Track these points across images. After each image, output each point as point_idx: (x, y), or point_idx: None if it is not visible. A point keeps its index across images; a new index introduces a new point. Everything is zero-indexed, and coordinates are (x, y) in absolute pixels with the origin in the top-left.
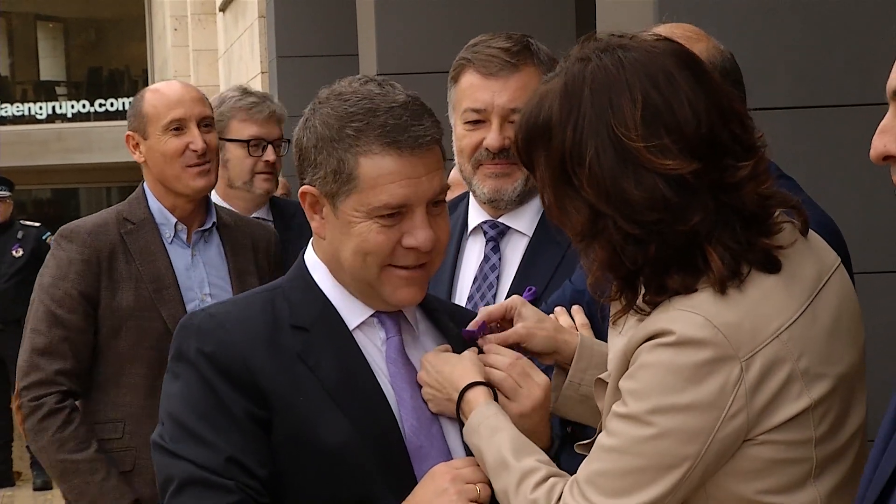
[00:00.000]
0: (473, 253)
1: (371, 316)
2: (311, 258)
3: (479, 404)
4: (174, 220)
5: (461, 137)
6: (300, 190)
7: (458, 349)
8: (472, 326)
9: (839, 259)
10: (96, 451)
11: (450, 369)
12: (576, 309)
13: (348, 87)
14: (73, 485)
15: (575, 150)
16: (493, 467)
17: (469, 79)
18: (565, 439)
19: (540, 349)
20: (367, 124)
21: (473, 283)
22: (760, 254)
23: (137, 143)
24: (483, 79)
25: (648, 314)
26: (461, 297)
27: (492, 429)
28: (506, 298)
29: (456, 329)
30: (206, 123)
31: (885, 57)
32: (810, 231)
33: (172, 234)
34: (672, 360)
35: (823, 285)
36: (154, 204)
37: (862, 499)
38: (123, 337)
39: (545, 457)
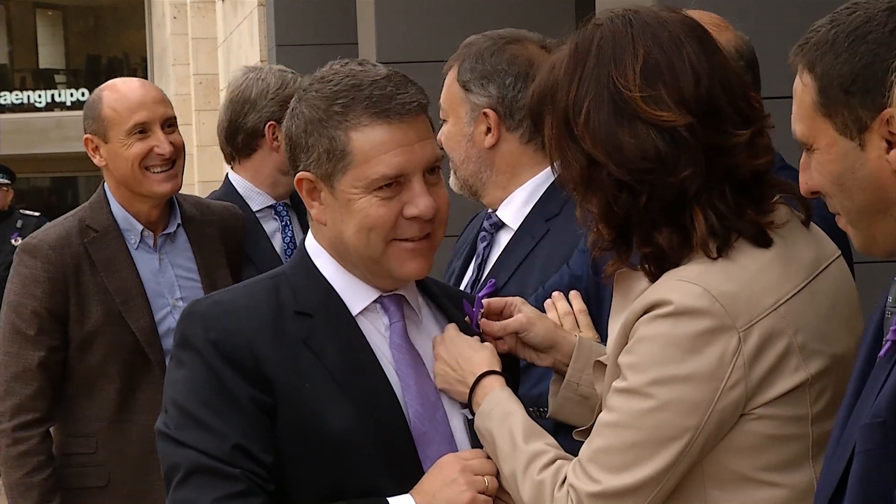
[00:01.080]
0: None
1: (374, 302)
2: (312, 245)
3: (494, 389)
4: (140, 226)
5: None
6: (296, 178)
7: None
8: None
9: (839, 252)
10: None
11: (470, 354)
12: (573, 294)
13: (329, 70)
14: None
15: (577, 100)
16: (503, 450)
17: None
18: (559, 425)
19: (539, 341)
20: (353, 99)
21: (467, 275)
22: (750, 225)
23: (97, 147)
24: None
25: (652, 275)
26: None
27: (504, 413)
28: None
29: (459, 313)
30: (169, 124)
31: None
32: (812, 224)
33: (138, 240)
34: (670, 331)
35: (822, 271)
36: (118, 210)
37: (817, 499)
38: (93, 351)
39: (554, 441)
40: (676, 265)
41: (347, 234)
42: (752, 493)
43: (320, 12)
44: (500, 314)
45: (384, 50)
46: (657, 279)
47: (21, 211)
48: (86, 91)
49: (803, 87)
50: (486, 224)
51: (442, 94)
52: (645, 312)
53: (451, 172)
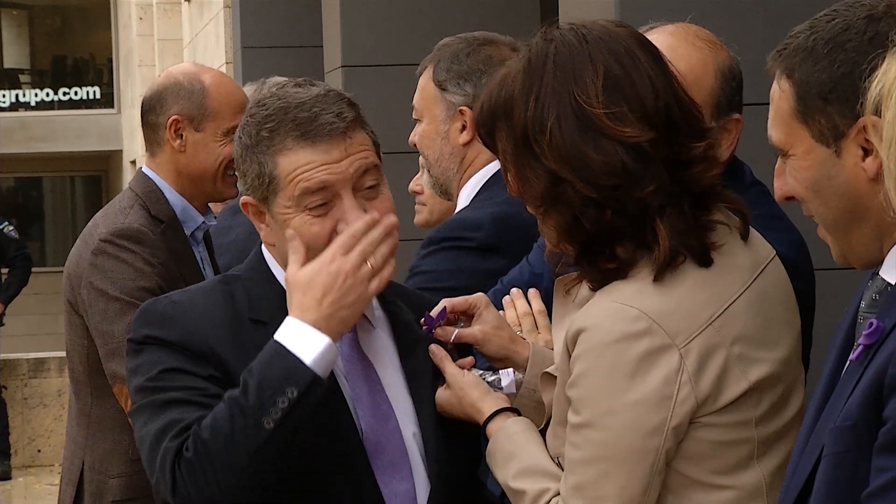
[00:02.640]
0: None
1: None
2: (268, 252)
3: (493, 433)
4: (201, 218)
5: None
6: (241, 202)
7: (411, 336)
8: (432, 313)
9: (774, 252)
10: None
11: (475, 397)
12: (532, 293)
13: (268, 93)
14: None
15: (537, 118)
16: (510, 494)
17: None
18: None
19: (492, 354)
20: (279, 122)
21: None
22: (698, 242)
23: (182, 130)
24: None
25: (601, 285)
26: None
27: (505, 457)
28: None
29: (411, 315)
30: None
31: None
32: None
33: (189, 233)
34: (613, 359)
35: (758, 275)
36: (175, 200)
37: (782, 501)
38: None
39: (547, 471)
40: (626, 278)
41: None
42: (705, 497)
43: (286, 15)
44: (462, 313)
45: (349, 53)
46: (600, 288)
47: None
48: (50, 91)
49: (780, 94)
50: None
51: (416, 95)
52: (579, 334)
53: (425, 171)
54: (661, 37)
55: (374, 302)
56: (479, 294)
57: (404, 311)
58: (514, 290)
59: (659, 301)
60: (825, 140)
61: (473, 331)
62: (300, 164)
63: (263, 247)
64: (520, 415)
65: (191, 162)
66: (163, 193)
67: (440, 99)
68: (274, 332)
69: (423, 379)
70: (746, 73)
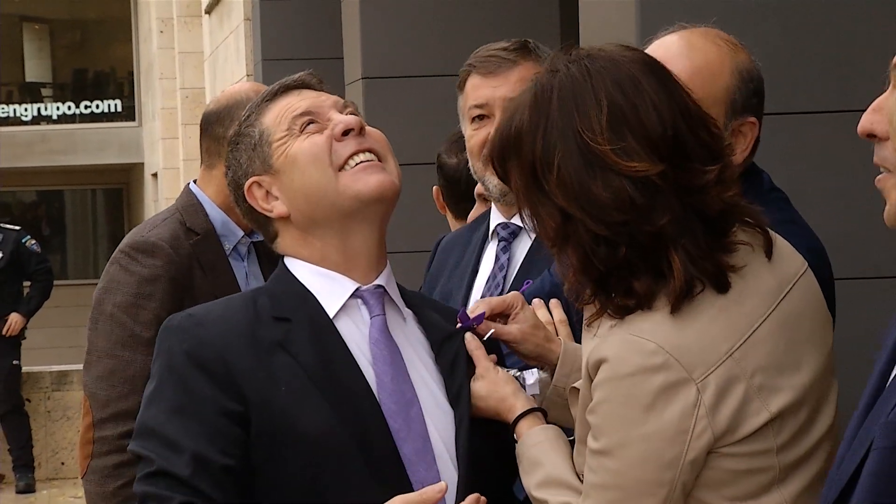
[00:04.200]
0: (490, 256)
1: (352, 297)
2: (288, 258)
3: (521, 435)
4: (241, 233)
5: (469, 137)
6: (246, 189)
7: (439, 340)
8: (472, 314)
9: (805, 265)
10: None
11: (507, 392)
12: (554, 303)
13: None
14: None
15: (544, 156)
16: (533, 501)
17: (472, 81)
18: None
19: (528, 353)
20: (254, 103)
21: (486, 283)
22: (715, 269)
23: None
24: (484, 78)
25: (622, 319)
26: (475, 299)
27: (531, 463)
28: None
29: (442, 321)
30: None
31: (861, 63)
32: (776, 237)
33: (231, 248)
34: (629, 392)
35: (784, 296)
36: (215, 214)
37: (825, 497)
38: None
39: (571, 485)
40: (648, 309)
41: (303, 189)
42: None
43: (306, 27)
44: (501, 314)
45: (369, 65)
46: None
47: (0, 224)
48: (72, 105)
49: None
50: (503, 233)
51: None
52: (600, 364)
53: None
54: (682, 34)
55: (401, 301)
56: (515, 293)
57: (434, 317)
58: (535, 300)
59: (676, 334)
60: None
61: (512, 329)
62: (282, 107)
63: (284, 258)
64: (547, 418)
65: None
66: (203, 207)
67: None
68: (295, 327)
69: (456, 373)
70: (764, 82)
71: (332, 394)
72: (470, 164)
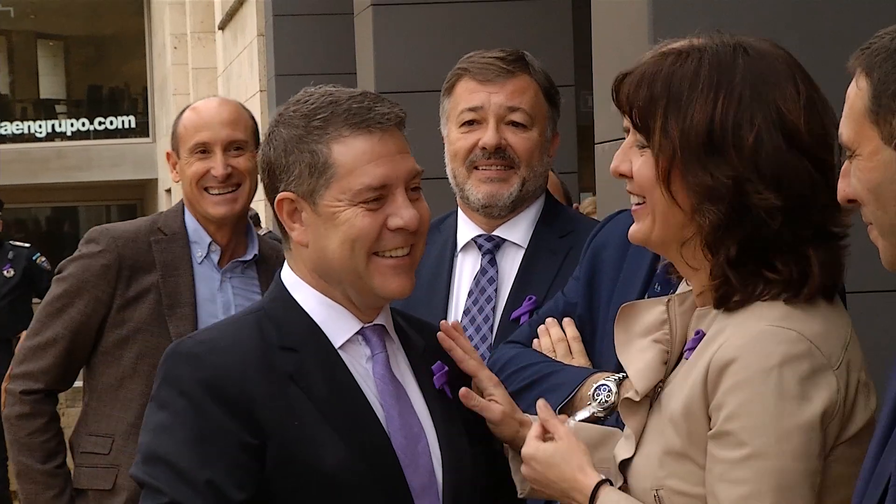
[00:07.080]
0: (467, 268)
1: (356, 334)
2: (290, 278)
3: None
4: (208, 239)
5: (455, 141)
6: (277, 199)
7: (424, 364)
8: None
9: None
10: (57, 467)
11: (571, 472)
12: (567, 321)
13: (305, 93)
14: (25, 489)
15: (729, 120)
16: None
17: (465, 85)
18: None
19: (502, 435)
20: (332, 113)
21: (469, 296)
22: (835, 278)
23: (175, 162)
24: (479, 84)
25: (732, 302)
26: (457, 313)
27: None
28: (504, 309)
29: (423, 342)
30: (235, 147)
31: None
32: None
33: (204, 255)
34: (778, 384)
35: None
36: (190, 221)
37: None
38: (129, 349)
39: None
40: (747, 303)
41: (331, 248)
42: None
43: (319, 42)
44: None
45: (383, 79)
46: (723, 308)
47: (11, 242)
48: (86, 121)
49: (857, 92)
50: (487, 245)
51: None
52: (729, 366)
53: (520, 181)
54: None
55: (395, 335)
56: (490, 374)
57: (413, 333)
58: (548, 319)
59: (809, 321)
60: (893, 142)
61: (495, 409)
62: (358, 151)
63: (283, 275)
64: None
65: (183, 187)
66: (182, 213)
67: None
68: (305, 359)
69: (440, 401)
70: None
71: (343, 428)
72: (449, 170)
